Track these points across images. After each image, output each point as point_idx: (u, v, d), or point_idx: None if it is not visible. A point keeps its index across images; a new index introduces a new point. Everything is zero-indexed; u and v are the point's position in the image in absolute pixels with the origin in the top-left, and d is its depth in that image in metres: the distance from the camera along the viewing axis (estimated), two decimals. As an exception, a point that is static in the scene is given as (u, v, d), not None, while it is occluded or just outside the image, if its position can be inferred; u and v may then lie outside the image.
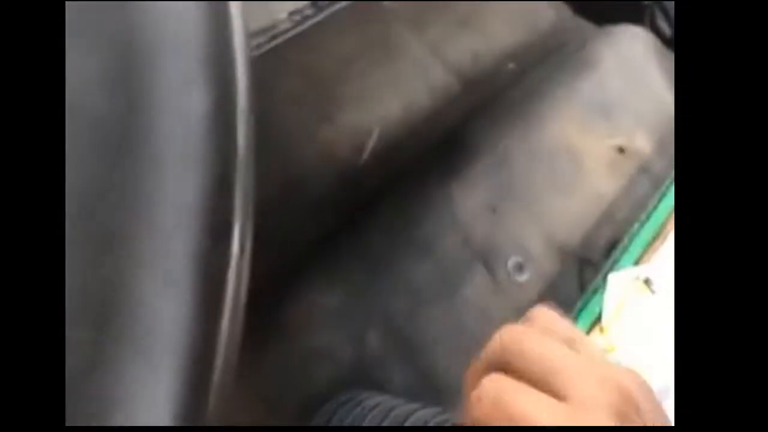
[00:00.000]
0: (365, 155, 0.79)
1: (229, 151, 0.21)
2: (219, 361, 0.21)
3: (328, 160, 0.80)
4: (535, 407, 0.29)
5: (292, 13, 0.69)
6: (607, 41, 0.78)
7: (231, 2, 0.22)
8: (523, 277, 0.57)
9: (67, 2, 0.22)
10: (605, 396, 0.29)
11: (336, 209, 0.66)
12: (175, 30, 0.21)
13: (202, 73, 0.21)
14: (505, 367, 0.32)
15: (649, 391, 0.31)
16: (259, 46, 0.67)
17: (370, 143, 0.80)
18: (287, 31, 0.68)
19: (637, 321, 0.53)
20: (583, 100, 0.70)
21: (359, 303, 0.58)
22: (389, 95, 0.84)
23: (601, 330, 0.53)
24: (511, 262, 0.57)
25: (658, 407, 0.31)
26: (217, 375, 0.21)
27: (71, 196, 0.20)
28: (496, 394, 0.30)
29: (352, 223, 0.64)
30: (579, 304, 0.54)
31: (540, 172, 0.63)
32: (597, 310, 0.53)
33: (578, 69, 0.75)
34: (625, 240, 0.58)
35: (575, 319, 0.53)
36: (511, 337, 0.34)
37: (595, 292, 0.55)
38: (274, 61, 0.68)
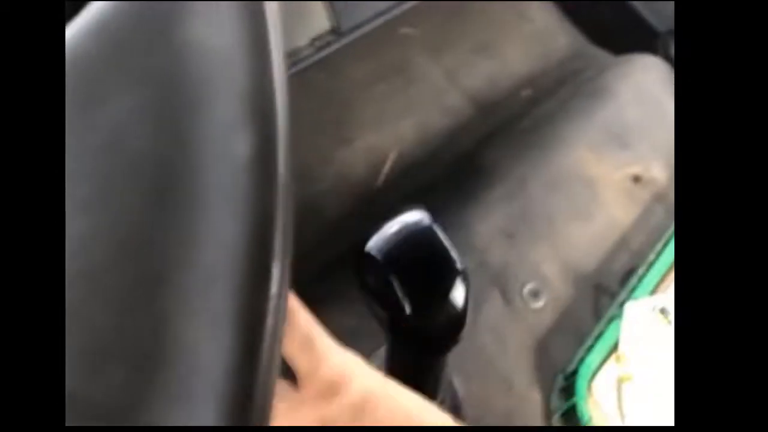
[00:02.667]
0: (381, 178, 0.80)
1: (270, 194, 0.21)
2: (258, 403, 0.21)
3: (345, 183, 0.81)
4: None
5: (313, 39, 0.70)
6: (622, 70, 0.79)
7: (272, 41, 0.22)
8: (538, 304, 0.57)
9: (104, 34, 0.22)
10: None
11: (351, 232, 0.66)
12: (220, 68, 0.22)
13: (246, 114, 0.21)
14: None
15: None
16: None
17: (386, 166, 0.81)
18: (308, 57, 0.69)
19: (654, 351, 0.53)
20: (599, 129, 0.70)
21: (374, 325, 0.58)
22: (405, 119, 0.85)
23: (618, 359, 0.53)
24: (527, 288, 0.57)
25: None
26: (256, 416, 0.21)
27: (112, 235, 0.21)
28: None
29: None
30: (595, 332, 0.54)
31: (556, 199, 0.64)
32: (614, 339, 0.53)
33: (594, 97, 0.76)
34: (641, 269, 0.58)
35: (591, 347, 0.53)
36: None
37: (611, 321, 0.55)
38: (294, 85, 0.68)
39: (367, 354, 0.53)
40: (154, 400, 0.21)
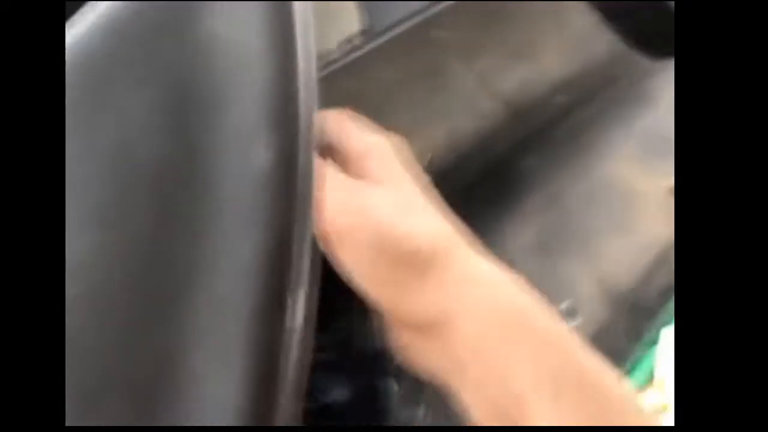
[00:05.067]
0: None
1: (289, 209, 0.19)
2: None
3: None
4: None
5: (342, 42, 0.68)
6: (663, 76, 0.76)
7: (300, 52, 0.20)
8: (574, 323, 0.54)
9: (121, 31, 0.20)
10: None
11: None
12: (241, 69, 0.20)
13: (266, 126, 0.20)
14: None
15: None
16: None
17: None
18: (337, 60, 0.67)
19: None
20: (639, 138, 0.67)
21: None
22: (436, 124, 0.82)
23: (655, 386, 0.50)
24: (563, 306, 0.55)
25: None
26: None
27: (118, 254, 0.19)
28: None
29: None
30: (633, 357, 0.52)
31: (593, 211, 0.61)
32: (652, 364, 0.51)
33: (633, 105, 0.73)
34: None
35: (629, 372, 0.50)
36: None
37: (649, 345, 0.52)
38: (322, 89, 0.67)
39: (391, 368, 0.51)
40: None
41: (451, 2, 0.79)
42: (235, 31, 0.20)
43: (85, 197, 0.19)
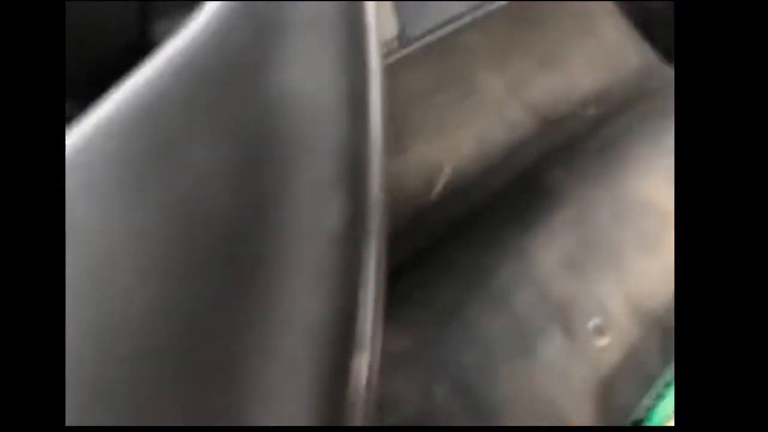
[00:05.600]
0: (436, 191, 0.78)
1: (359, 270, 0.19)
2: None
3: (397, 195, 0.78)
4: None
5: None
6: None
7: (373, 97, 0.20)
8: (603, 341, 0.54)
9: (191, 84, 0.20)
10: None
11: (402, 248, 0.64)
12: (314, 124, 0.19)
13: (338, 185, 0.19)
14: None
15: None
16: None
17: (442, 179, 0.78)
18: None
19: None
20: (671, 154, 0.66)
21: (426, 352, 0.56)
22: (463, 132, 0.82)
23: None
24: (592, 324, 0.54)
25: None
26: None
27: (181, 310, 0.18)
28: None
29: (421, 266, 0.62)
30: (665, 379, 0.51)
31: (624, 228, 0.60)
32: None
33: (665, 119, 0.72)
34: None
35: (661, 395, 0.50)
36: None
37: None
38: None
39: (416, 383, 0.51)
40: None
41: (484, 10, 0.78)
42: (309, 85, 0.20)
43: (151, 250, 0.19)
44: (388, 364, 0.56)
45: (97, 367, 0.18)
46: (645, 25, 0.89)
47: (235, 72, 0.20)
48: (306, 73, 0.20)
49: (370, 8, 0.22)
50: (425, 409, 0.51)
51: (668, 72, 0.83)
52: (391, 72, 0.73)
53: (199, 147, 0.19)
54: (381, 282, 0.19)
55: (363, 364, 0.19)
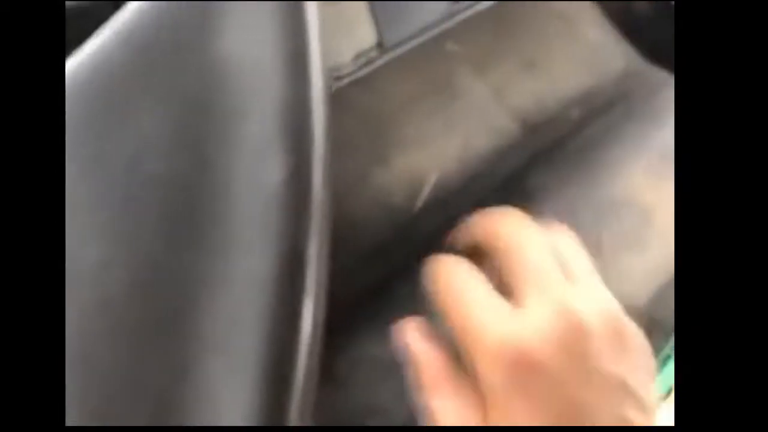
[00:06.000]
0: (421, 201, 0.78)
1: (302, 225, 0.19)
2: None
3: (382, 206, 0.78)
4: (476, 299, 0.28)
5: (357, 56, 0.68)
6: (678, 91, 0.75)
7: (313, 61, 0.20)
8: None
9: (132, 48, 0.21)
10: (554, 321, 0.28)
11: (389, 258, 0.64)
12: (253, 86, 0.20)
13: (279, 137, 0.20)
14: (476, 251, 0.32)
15: (615, 332, 0.30)
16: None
17: (427, 188, 0.78)
18: (351, 73, 0.67)
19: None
20: (654, 154, 0.67)
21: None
22: (448, 139, 0.82)
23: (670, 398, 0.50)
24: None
25: (622, 352, 0.30)
26: None
27: (131, 266, 0.19)
28: (451, 276, 0.31)
29: (406, 273, 0.62)
30: (663, 354, 0.51)
31: (607, 227, 0.60)
32: (669, 380, 0.50)
33: (648, 119, 0.72)
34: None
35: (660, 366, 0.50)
36: (499, 221, 0.34)
37: (666, 360, 0.51)
38: (334, 103, 0.67)
39: (404, 389, 0.51)
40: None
41: (464, 16, 0.79)
42: (250, 49, 0.21)
43: (96, 210, 0.19)
44: (375, 375, 0.56)
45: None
46: (627, 27, 0.90)
47: (177, 40, 0.21)
48: (245, 38, 0.21)
49: None
50: (414, 413, 0.51)
51: (651, 73, 0.83)
52: (371, 81, 0.73)
53: (144, 110, 0.20)
54: (325, 231, 0.20)
55: (309, 311, 0.20)
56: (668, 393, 0.48)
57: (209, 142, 0.20)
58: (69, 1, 0.42)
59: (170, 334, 0.19)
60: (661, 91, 0.74)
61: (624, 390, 0.30)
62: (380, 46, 0.69)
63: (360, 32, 0.69)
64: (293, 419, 0.20)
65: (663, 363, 0.50)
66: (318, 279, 0.20)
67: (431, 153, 0.78)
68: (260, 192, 0.20)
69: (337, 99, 0.72)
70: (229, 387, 0.19)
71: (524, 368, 0.25)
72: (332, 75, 0.68)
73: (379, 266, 0.62)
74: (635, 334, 0.32)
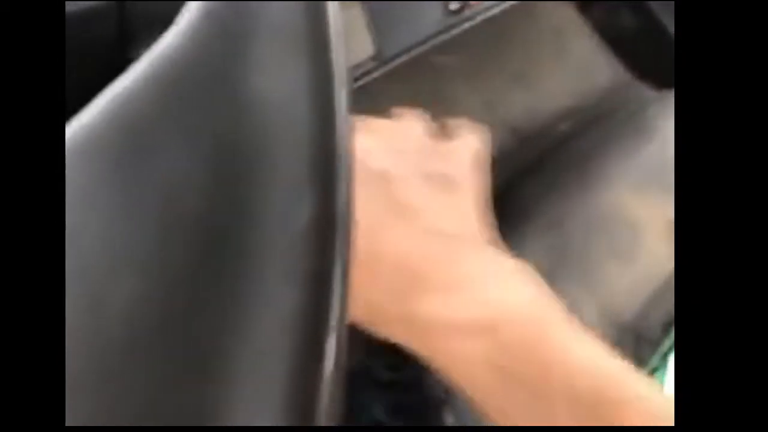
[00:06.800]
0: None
1: (328, 263, 0.20)
2: None
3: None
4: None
5: (354, 67, 0.69)
6: (665, 105, 0.77)
7: (339, 99, 0.21)
8: (576, 351, 0.55)
9: (165, 92, 0.21)
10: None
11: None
12: (283, 126, 0.21)
13: (308, 177, 0.20)
14: None
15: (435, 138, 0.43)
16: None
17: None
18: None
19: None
20: (641, 167, 0.68)
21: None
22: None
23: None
24: (565, 334, 0.55)
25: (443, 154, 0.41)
26: None
27: (162, 302, 0.19)
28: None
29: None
30: (663, 351, 0.52)
31: (595, 239, 0.62)
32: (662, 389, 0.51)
33: (635, 134, 0.74)
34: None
35: (660, 366, 0.51)
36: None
37: (653, 372, 0.53)
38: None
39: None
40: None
41: (458, 29, 0.80)
42: (279, 90, 0.21)
43: (130, 247, 0.20)
44: (370, 384, 0.56)
45: (82, 353, 0.19)
46: (615, 42, 0.92)
47: (206, 80, 0.21)
48: (272, 79, 0.21)
49: (333, 9, 0.24)
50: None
51: (638, 87, 0.85)
52: (368, 92, 0.74)
53: (174, 150, 0.21)
54: (347, 272, 0.20)
55: (332, 347, 0.20)
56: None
57: (240, 182, 0.20)
58: (73, 1, 0.42)
59: (197, 373, 0.19)
60: (647, 107, 0.76)
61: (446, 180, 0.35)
62: (376, 57, 0.70)
63: (356, 44, 0.70)
64: None
65: (651, 374, 0.52)
66: (341, 316, 0.21)
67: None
68: (289, 232, 0.20)
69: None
70: (257, 421, 0.19)
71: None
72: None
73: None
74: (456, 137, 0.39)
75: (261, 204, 0.20)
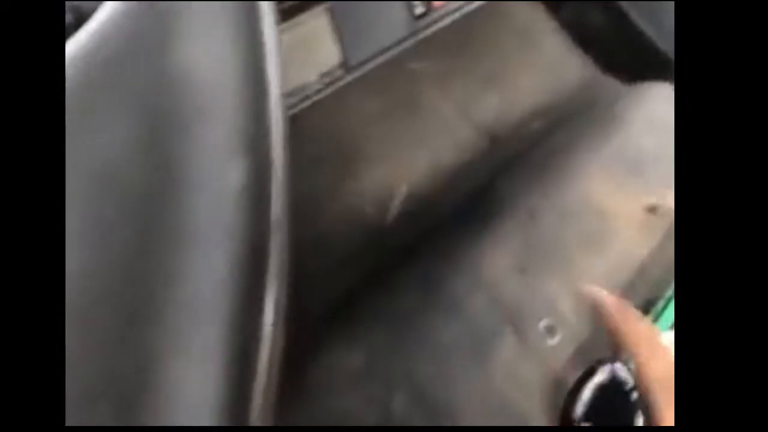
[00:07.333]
0: (391, 214, 0.79)
1: (263, 223, 0.20)
2: None
3: (353, 219, 0.80)
4: None
5: (322, 75, 0.70)
6: (635, 99, 0.78)
7: (270, 69, 0.22)
8: (554, 340, 0.55)
9: (97, 59, 0.22)
10: None
11: (360, 269, 0.65)
12: (214, 96, 0.21)
13: (238, 145, 0.21)
14: None
15: None
16: (290, 107, 0.68)
17: (396, 202, 0.80)
18: (318, 92, 0.68)
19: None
20: (613, 159, 0.69)
21: (383, 365, 0.56)
22: (416, 154, 0.84)
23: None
24: (542, 325, 0.55)
25: None
26: None
27: (99, 269, 0.20)
28: None
29: (377, 283, 0.63)
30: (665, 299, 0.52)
31: (570, 231, 0.62)
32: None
33: (607, 127, 0.75)
34: (660, 303, 0.56)
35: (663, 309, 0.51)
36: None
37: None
38: (302, 121, 0.68)
39: (374, 396, 0.52)
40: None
41: (425, 33, 0.81)
42: (208, 55, 0.22)
43: (75, 217, 0.20)
44: (346, 382, 0.56)
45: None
46: (584, 40, 0.93)
47: (140, 53, 0.22)
48: (204, 50, 0.22)
49: None
50: (384, 419, 0.52)
51: (607, 82, 0.86)
52: (337, 99, 0.75)
53: (111, 122, 0.21)
54: (287, 228, 0.21)
55: (270, 305, 0.20)
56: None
57: (173, 147, 0.21)
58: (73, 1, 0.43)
59: (137, 334, 0.19)
60: (618, 100, 0.77)
61: None
62: (345, 65, 0.70)
63: (324, 52, 0.70)
64: (256, 411, 0.20)
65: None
66: (279, 274, 0.21)
67: (400, 167, 0.80)
68: (222, 193, 0.21)
69: (305, 118, 0.73)
70: (192, 379, 0.19)
71: None
72: (299, 95, 0.70)
73: (351, 277, 0.63)
74: None
75: (192, 169, 0.20)
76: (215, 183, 0.21)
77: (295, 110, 0.70)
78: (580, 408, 0.37)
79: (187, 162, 0.21)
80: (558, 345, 0.55)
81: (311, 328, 0.56)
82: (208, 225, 0.21)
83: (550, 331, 0.55)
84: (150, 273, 0.20)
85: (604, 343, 0.57)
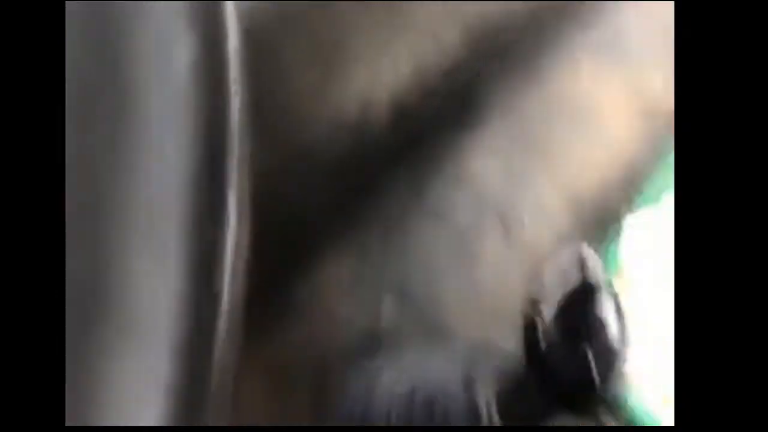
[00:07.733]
0: (376, 118, 0.78)
1: (220, 100, 0.19)
2: (219, 343, 0.20)
3: (338, 124, 0.78)
4: None
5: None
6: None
7: None
8: (539, 232, 0.55)
9: None
10: None
11: (347, 175, 0.65)
12: None
13: (185, 25, 0.20)
14: None
15: None
16: (266, 9, 0.66)
17: (382, 106, 0.78)
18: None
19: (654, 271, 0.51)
20: (599, 49, 0.67)
21: (372, 270, 0.57)
22: (399, 56, 0.81)
23: (623, 278, 0.52)
24: (527, 218, 0.56)
25: None
26: (217, 357, 0.20)
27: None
28: None
29: (363, 190, 0.63)
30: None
31: (555, 124, 0.62)
32: (617, 258, 0.52)
33: (592, 17, 0.72)
34: (645, 188, 0.56)
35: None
36: None
37: (613, 243, 0.53)
38: (280, 23, 0.66)
39: (364, 302, 0.52)
40: (102, 346, 0.19)
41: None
42: None
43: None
44: (336, 287, 0.57)
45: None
46: None
47: None
48: None
49: None
50: (374, 324, 0.53)
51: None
52: (319, 2, 0.72)
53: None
54: (245, 112, 0.20)
55: (232, 200, 0.20)
56: (617, 271, 0.50)
57: (118, 37, 0.20)
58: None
59: (95, 229, 0.19)
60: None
61: None
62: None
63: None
64: (221, 309, 0.20)
65: (612, 245, 0.52)
66: (240, 167, 0.20)
67: (384, 72, 0.78)
68: (172, 76, 0.20)
69: (283, 19, 0.71)
70: (154, 275, 0.19)
71: None
72: None
73: (337, 185, 0.63)
74: None
75: (139, 57, 0.20)
76: (163, 66, 0.20)
77: (272, 12, 0.69)
78: (540, 286, 0.37)
79: (132, 51, 0.20)
80: (542, 237, 0.55)
81: (298, 237, 0.56)
82: (161, 108, 0.20)
83: (535, 223, 0.55)
84: (103, 168, 0.19)
85: (589, 233, 0.57)
